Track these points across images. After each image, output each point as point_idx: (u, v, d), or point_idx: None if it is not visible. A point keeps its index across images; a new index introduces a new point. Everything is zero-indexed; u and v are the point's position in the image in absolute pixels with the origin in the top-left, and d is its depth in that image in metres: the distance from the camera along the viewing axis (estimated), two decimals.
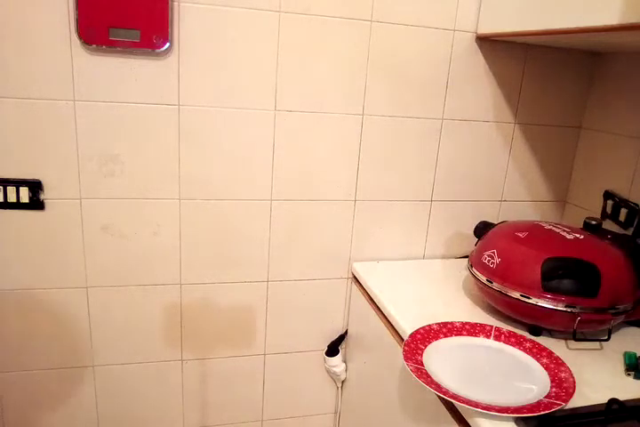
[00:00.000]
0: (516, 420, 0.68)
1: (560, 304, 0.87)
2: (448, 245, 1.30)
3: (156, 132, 1.04)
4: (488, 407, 0.68)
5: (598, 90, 1.26)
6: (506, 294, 0.92)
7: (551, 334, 0.93)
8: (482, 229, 1.10)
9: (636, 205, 1.10)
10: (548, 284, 0.88)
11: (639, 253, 0.99)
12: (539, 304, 0.88)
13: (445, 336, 0.88)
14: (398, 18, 1.09)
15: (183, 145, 1.06)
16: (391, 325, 0.99)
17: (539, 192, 1.32)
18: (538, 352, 0.84)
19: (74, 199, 1.04)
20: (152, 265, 1.12)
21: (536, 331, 0.92)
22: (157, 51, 0.98)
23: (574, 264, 0.89)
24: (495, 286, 0.94)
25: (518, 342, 0.87)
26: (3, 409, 1.12)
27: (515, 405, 0.70)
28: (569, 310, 0.87)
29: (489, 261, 0.97)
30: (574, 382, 0.75)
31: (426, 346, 0.83)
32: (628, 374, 0.83)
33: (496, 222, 1.10)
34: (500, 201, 1.30)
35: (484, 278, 0.96)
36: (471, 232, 1.13)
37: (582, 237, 0.95)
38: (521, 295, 0.90)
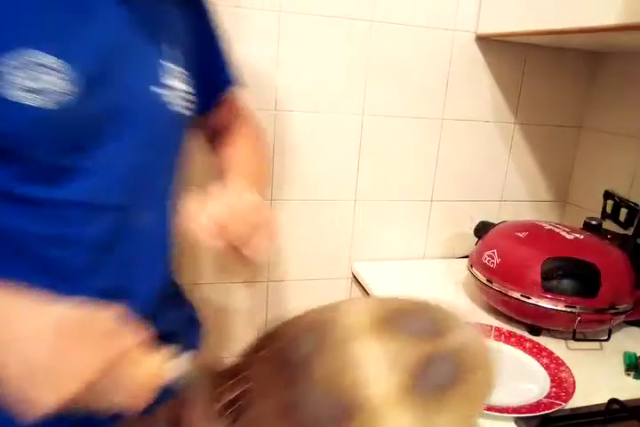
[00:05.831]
0: (516, 420, 0.68)
1: (560, 304, 0.87)
2: (448, 245, 1.30)
3: None
4: (488, 407, 0.68)
5: (598, 89, 1.25)
6: (506, 294, 0.92)
7: (551, 334, 0.92)
8: (482, 230, 1.10)
9: (636, 205, 1.10)
10: (548, 284, 0.88)
11: (639, 253, 0.99)
12: (539, 304, 0.88)
13: None
14: (398, 18, 1.09)
15: None
16: None
17: (539, 192, 1.32)
18: (538, 352, 0.84)
19: None
20: None
21: (536, 331, 0.92)
22: None
23: (574, 264, 0.89)
24: (495, 286, 0.94)
25: (518, 342, 0.87)
26: None
27: (515, 405, 0.70)
28: (569, 310, 0.86)
29: (489, 261, 0.97)
30: (574, 382, 0.75)
31: None
32: (628, 374, 0.83)
33: (496, 222, 1.10)
34: (500, 201, 1.30)
35: (484, 279, 0.96)
36: (471, 232, 1.13)
37: (582, 237, 0.95)
38: (521, 295, 0.90)
